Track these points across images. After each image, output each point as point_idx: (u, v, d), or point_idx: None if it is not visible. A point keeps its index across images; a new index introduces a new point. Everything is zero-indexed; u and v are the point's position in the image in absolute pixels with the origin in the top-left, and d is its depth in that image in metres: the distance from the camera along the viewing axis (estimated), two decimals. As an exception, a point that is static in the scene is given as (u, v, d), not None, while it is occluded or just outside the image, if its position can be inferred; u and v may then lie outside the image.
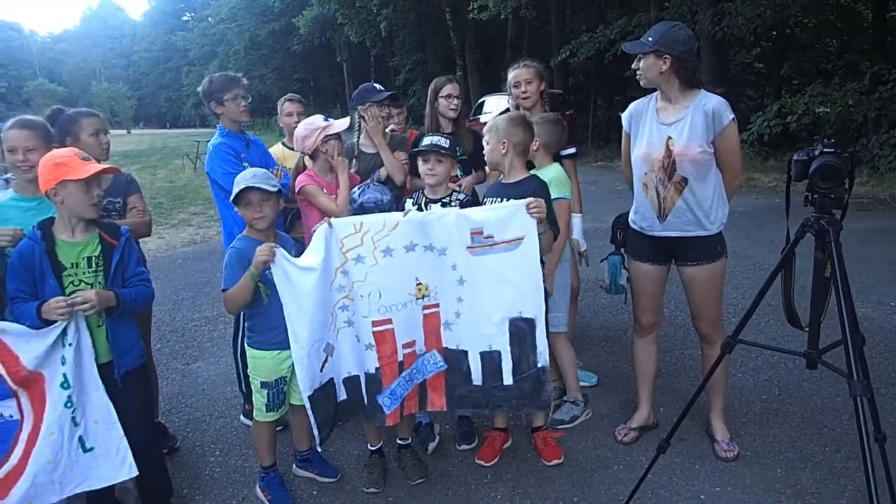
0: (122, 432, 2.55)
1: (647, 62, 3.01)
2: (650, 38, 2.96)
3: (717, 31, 13.88)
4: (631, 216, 3.33)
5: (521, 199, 2.81)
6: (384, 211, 3.08)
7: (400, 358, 2.92)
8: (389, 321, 2.86)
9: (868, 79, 12.12)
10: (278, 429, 3.19)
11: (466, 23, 24.78)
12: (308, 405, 2.77)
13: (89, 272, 2.54)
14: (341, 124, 3.35)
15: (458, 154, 3.80)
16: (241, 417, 3.84)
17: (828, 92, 12.45)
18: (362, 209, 3.12)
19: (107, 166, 2.63)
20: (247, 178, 2.80)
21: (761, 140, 12.85)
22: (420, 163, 3.18)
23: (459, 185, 3.48)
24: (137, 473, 2.59)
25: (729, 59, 17.72)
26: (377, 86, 3.87)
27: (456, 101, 3.84)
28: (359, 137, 3.77)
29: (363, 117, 3.66)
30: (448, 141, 3.18)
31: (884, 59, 12.52)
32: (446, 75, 4.09)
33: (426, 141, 3.17)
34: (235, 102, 3.52)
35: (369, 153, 3.68)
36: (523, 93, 3.73)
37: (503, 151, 3.06)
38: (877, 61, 12.50)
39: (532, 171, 3.36)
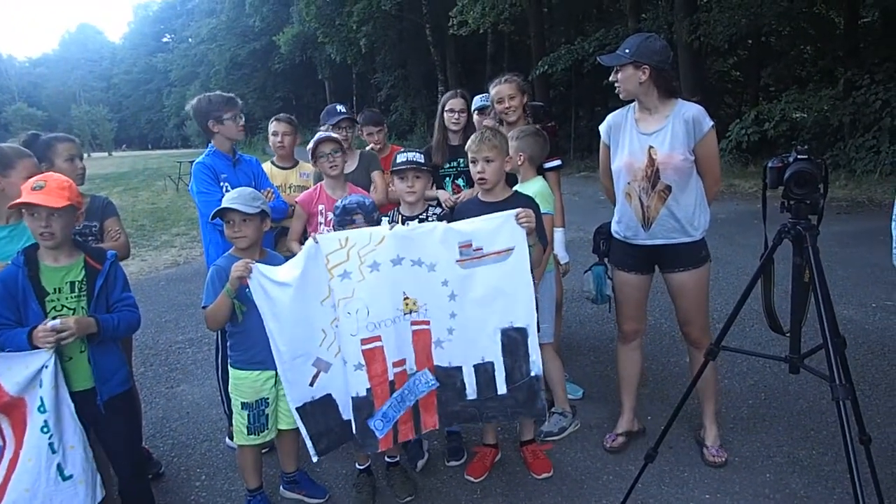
0: (92, 453, 2.53)
1: (625, 74, 3.03)
2: (627, 50, 3.00)
3: (694, 39, 14.10)
4: (614, 227, 3.34)
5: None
6: (366, 211, 3.06)
7: (391, 377, 2.82)
8: (378, 338, 2.78)
9: (842, 84, 12.36)
10: (263, 451, 3.15)
11: (447, 38, 24.97)
12: (297, 417, 2.77)
13: (72, 297, 2.50)
14: (312, 142, 3.53)
15: (462, 165, 3.85)
16: (227, 440, 3.79)
17: (803, 98, 12.69)
18: (345, 210, 3.11)
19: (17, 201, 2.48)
20: (229, 197, 2.83)
21: (740, 147, 13.04)
22: (397, 181, 3.17)
23: (459, 197, 3.56)
24: (104, 495, 2.58)
25: (706, 68, 17.98)
26: (339, 107, 4.14)
27: (458, 115, 3.95)
28: None
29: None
30: (423, 156, 3.18)
31: (857, 65, 12.80)
32: (458, 90, 4.24)
33: (401, 158, 3.15)
34: (234, 121, 3.56)
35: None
36: (507, 107, 3.75)
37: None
38: (850, 67, 12.77)
39: (516, 186, 3.38)
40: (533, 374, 2.87)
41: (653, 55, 2.97)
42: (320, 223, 3.49)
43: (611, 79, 3.12)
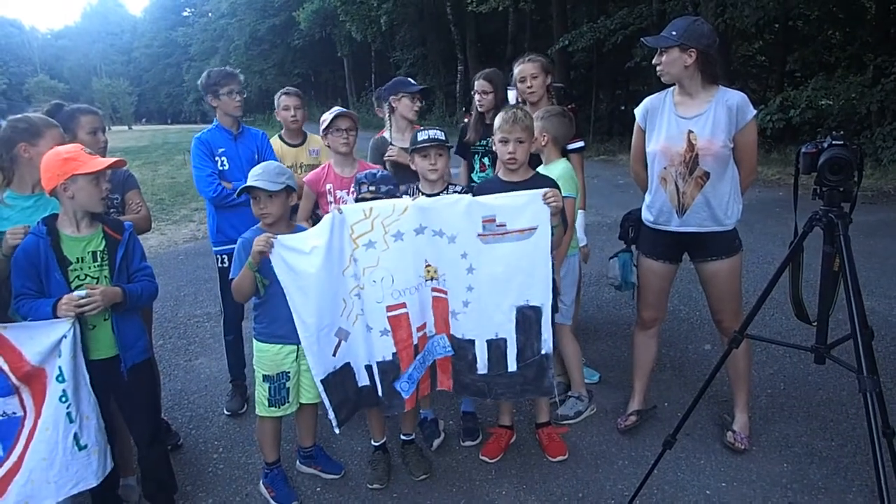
0: (104, 424, 2.57)
1: (670, 56, 2.98)
2: (674, 33, 2.94)
3: (720, 23, 13.81)
4: (644, 213, 3.29)
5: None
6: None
7: (415, 342, 2.92)
8: (403, 305, 2.86)
9: (871, 71, 12.06)
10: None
11: (467, 17, 24.66)
12: (321, 389, 2.80)
13: (94, 266, 2.54)
14: (329, 115, 3.46)
15: (489, 145, 3.81)
16: (225, 410, 3.92)
17: (830, 85, 12.38)
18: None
19: (115, 159, 2.65)
20: (253, 174, 2.82)
21: (763, 133, 12.80)
22: (419, 159, 3.13)
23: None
24: (113, 466, 2.62)
25: (731, 52, 17.63)
26: (410, 80, 4.01)
27: (479, 97, 3.90)
28: (391, 131, 3.81)
29: (393, 109, 3.79)
30: (443, 132, 3.16)
31: (887, 51, 12.46)
32: (486, 69, 4.10)
33: (422, 136, 3.10)
34: (231, 97, 3.65)
35: (402, 147, 3.74)
36: (529, 87, 3.71)
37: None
38: (880, 53, 12.45)
39: (539, 167, 3.33)
40: (543, 352, 2.90)
41: (700, 39, 2.92)
42: (330, 202, 3.46)
43: (654, 61, 3.06)
